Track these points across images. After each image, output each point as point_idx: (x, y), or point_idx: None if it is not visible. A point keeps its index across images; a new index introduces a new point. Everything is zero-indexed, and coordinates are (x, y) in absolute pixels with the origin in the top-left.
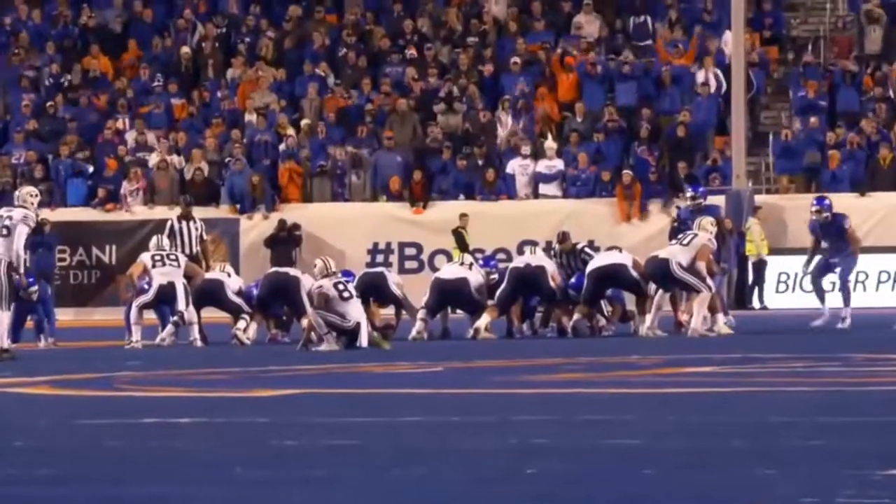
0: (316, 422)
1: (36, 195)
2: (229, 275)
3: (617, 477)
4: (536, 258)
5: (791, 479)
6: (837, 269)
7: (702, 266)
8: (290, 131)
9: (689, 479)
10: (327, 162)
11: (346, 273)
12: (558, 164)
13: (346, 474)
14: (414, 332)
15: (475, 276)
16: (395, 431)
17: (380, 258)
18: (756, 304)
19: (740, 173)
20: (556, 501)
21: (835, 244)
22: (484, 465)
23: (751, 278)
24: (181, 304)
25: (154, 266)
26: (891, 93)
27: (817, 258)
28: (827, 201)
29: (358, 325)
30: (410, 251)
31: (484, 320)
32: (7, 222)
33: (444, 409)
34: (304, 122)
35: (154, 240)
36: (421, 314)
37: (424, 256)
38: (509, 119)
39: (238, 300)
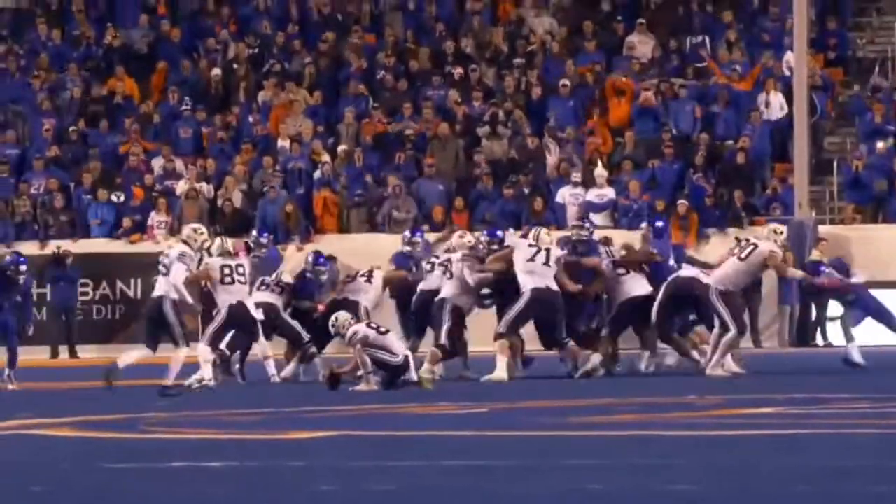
0: (354, 465)
1: (202, 232)
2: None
3: None
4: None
5: None
6: None
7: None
8: (326, 158)
9: None
10: (366, 192)
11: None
12: (609, 193)
13: None
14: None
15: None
16: (436, 475)
17: None
18: (820, 341)
19: (803, 202)
20: None
21: None
22: None
23: (813, 314)
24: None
25: (223, 281)
26: None
27: None
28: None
29: (406, 358)
30: None
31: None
32: (166, 260)
33: (489, 452)
34: (341, 147)
35: (217, 241)
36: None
37: None
38: (557, 146)
39: (294, 323)
